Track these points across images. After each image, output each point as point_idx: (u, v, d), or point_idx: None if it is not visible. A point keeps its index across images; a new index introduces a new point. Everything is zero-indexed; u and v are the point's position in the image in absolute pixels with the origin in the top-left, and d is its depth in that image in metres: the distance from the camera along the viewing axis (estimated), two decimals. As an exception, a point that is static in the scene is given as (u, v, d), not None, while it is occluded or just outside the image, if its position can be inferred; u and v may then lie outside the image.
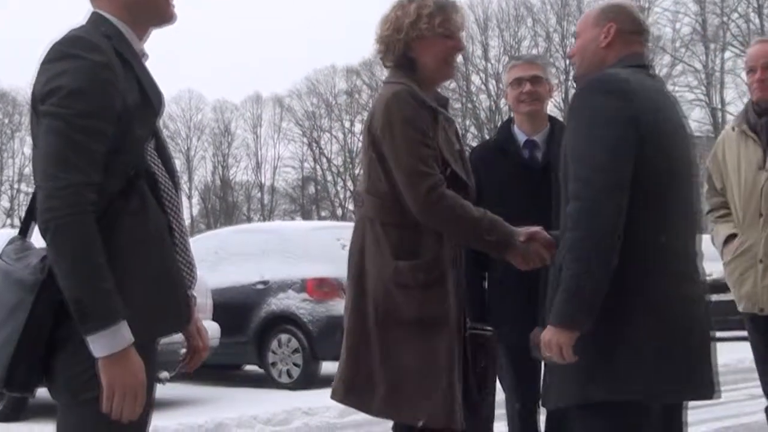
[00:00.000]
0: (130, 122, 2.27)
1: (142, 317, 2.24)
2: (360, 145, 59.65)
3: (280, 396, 9.55)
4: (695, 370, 2.77)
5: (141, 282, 2.28)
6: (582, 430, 2.74)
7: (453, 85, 52.20)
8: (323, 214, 53.82)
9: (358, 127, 54.67)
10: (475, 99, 51.87)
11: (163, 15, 2.45)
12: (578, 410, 2.73)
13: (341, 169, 55.67)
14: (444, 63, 3.35)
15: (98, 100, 2.21)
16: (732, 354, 12.02)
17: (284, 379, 10.49)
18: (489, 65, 50.82)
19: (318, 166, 56.26)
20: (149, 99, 2.35)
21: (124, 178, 2.27)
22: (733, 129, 4.34)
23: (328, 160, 56.01)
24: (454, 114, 51.20)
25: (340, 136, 55.39)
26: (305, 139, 56.03)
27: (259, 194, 57.62)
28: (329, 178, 56.31)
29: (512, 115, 4.23)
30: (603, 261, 2.64)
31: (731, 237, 4.30)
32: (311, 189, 56.74)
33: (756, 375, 10.50)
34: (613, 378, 2.67)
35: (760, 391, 9.20)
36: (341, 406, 8.47)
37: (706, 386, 2.80)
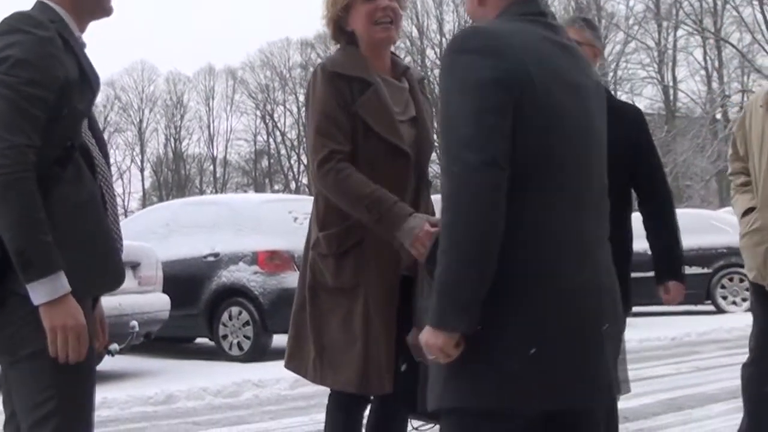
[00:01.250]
0: (70, 96, 2.47)
1: (78, 275, 2.41)
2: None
3: (230, 368, 9.53)
4: (580, 372, 2.27)
5: (77, 243, 2.45)
6: None
7: (408, 59, 52.17)
8: (276, 187, 53.65)
9: (313, 101, 54.44)
10: (429, 73, 51.79)
11: (103, 8, 2.67)
12: (442, 415, 2.36)
13: (295, 143, 55.44)
14: (371, 25, 3.31)
15: (42, 70, 2.41)
16: (678, 328, 12.24)
17: (235, 352, 10.45)
18: (444, 39, 50.75)
19: (271, 140, 56.06)
20: (88, 78, 2.55)
21: (61, 147, 2.46)
22: (760, 106, 4.34)
23: (282, 134, 55.81)
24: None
25: (294, 109, 55.15)
26: (258, 112, 55.79)
27: (211, 167, 57.29)
28: (283, 151, 56.10)
29: None
30: (477, 252, 2.16)
31: (749, 210, 4.37)
32: (264, 162, 56.50)
33: (699, 349, 10.65)
34: (465, 385, 2.25)
35: (705, 363, 9.43)
36: (292, 378, 8.57)
37: (596, 389, 2.32)
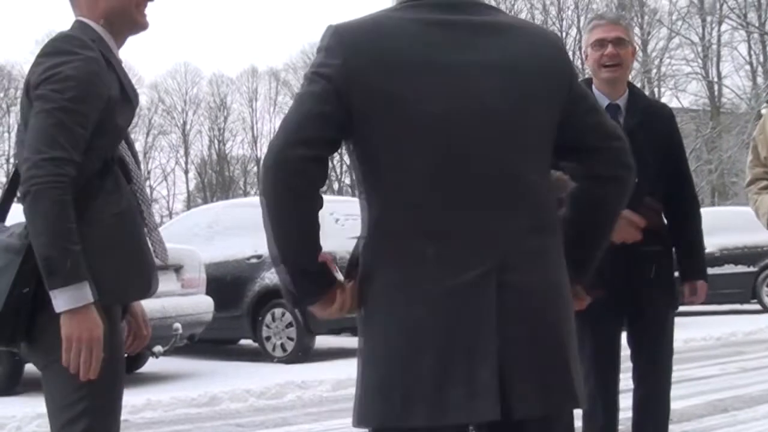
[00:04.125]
0: (112, 112, 2.56)
1: (111, 282, 2.50)
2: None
3: (273, 370, 9.59)
4: (441, 389, 2.03)
5: (113, 251, 2.54)
6: None
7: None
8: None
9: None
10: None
11: (139, 24, 2.73)
12: None
13: (337, 143, 55.44)
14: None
15: (87, 89, 2.49)
16: (724, 327, 12.10)
17: (278, 353, 10.50)
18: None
19: (314, 140, 56.07)
20: (128, 95, 2.64)
21: (101, 161, 2.55)
22: None
23: (324, 134, 55.78)
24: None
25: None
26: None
27: (255, 168, 57.46)
28: (325, 152, 56.09)
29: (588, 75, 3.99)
30: (285, 233, 2.13)
31: None
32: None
33: (745, 349, 10.54)
34: (357, 405, 2.14)
35: (752, 364, 9.31)
36: (335, 380, 8.61)
37: (453, 407, 2.03)
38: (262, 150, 56.28)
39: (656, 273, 3.79)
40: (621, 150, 2.28)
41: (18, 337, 2.52)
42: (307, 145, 2.06)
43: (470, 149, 2.09)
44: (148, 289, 2.67)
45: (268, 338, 10.59)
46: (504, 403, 2.03)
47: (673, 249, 3.95)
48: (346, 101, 2.07)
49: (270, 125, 56.90)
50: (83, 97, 2.48)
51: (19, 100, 2.99)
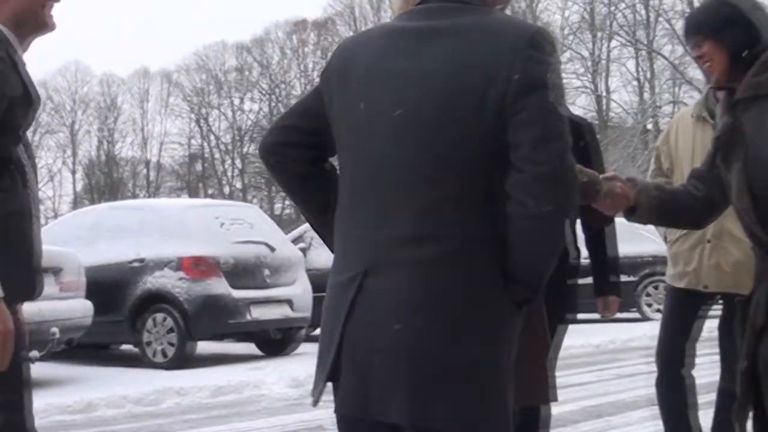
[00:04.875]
0: (13, 112, 2.55)
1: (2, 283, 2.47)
2: (249, 122, 58.55)
3: (153, 376, 9.43)
4: (348, 379, 2.16)
5: (3, 252, 2.53)
6: None
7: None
8: (210, 191, 53.22)
9: (248, 105, 54.22)
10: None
11: (44, 25, 2.73)
12: None
13: (229, 147, 55.05)
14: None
15: None
16: (603, 335, 12.38)
17: (159, 359, 10.34)
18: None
19: (206, 144, 55.55)
20: (30, 97, 2.65)
21: None
22: (691, 116, 4.40)
23: (216, 138, 55.31)
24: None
25: (229, 113, 54.73)
26: (193, 116, 55.20)
27: (145, 171, 56.62)
28: (217, 155, 55.62)
29: None
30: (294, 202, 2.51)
31: None
32: (198, 166, 56.01)
33: (622, 356, 10.75)
34: None
35: (627, 370, 9.54)
36: (214, 387, 8.50)
37: (353, 399, 2.15)
38: (152, 152, 55.54)
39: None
40: (539, 176, 2.05)
41: None
42: (280, 130, 2.37)
43: (377, 158, 2.16)
44: (32, 292, 2.67)
45: (149, 343, 10.42)
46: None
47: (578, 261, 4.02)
48: (326, 102, 2.28)
49: (161, 127, 56.12)
50: None
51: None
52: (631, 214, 2.83)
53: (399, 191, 2.13)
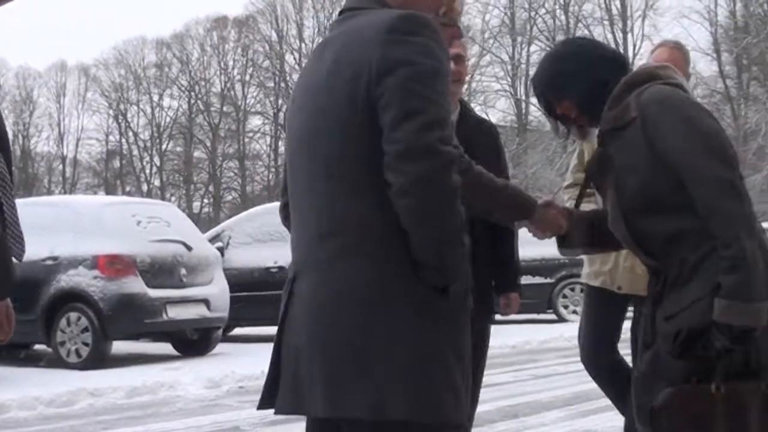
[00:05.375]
0: None
1: None
2: (168, 119, 57.90)
3: (67, 376, 9.25)
4: (284, 380, 2.27)
5: None
6: None
7: (266, 63, 51.94)
8: (128, 189, 52.50)
9: (167, 101, 53.60)
10: (288, 78, 51.65)
11: None
12: None
13: (148, 144, 54.38)
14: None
15: None
16: (519, 336, 12.53)
17: (73, 359, 10.15)
18: (303, 45, 50.72)
19: (124, 140, 54.79)
20: None
21: None
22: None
23: (135, 134, 54.60)
24: (266, 92, 50.01)
25: (148, 109, 54.09)
26: (111, 111, 54.44)
27: (61, 167, 55.63)
28: (135, 152, 54.91)
29: None
30: None
31: None
32: (116, 163, 55.19)
33: (538, 357, 10.86)
34: None
35: (543, 371, 9.66)
36: (129, 387, 8.39)
37: (289, 399, 2.25)
38: (69, 147, 54.60)
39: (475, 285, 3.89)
40: (396, 154, 2.06)
41: None
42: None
43: (293, 165, 2.31)
44: (4, 290, 2.63)
45: (63, 343, 10.22)
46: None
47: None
48: None
49: (78, 122, 55.33)
50: None
51: None
52: (562, 243, 2.95)
53: (306, 194, 2.24)
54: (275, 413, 2.29)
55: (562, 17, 40.70)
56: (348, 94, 2.12)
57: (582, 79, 2.79)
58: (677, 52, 4.59)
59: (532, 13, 40.56)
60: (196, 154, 54.09)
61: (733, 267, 2.49)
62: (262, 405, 2.32)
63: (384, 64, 2.09)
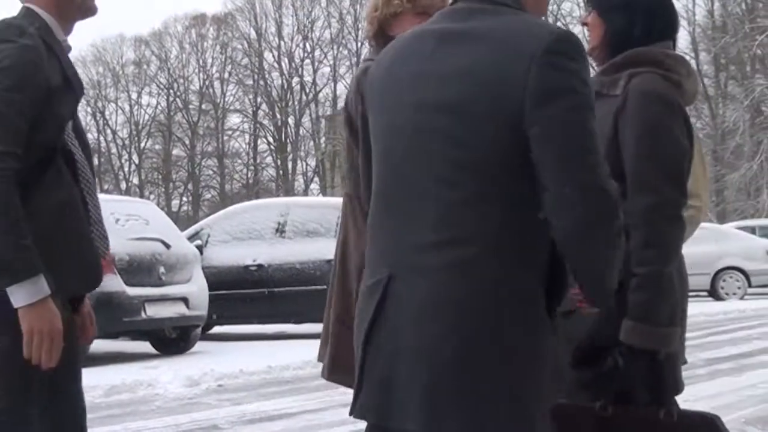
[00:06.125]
0: (52, 101, 2.52)
1: (53, 276, 2.48)
2: (147, 117, 57.65)
3: (44, 375, 9.18)
4: (370, 385, 2.23)
5: (51, 244, 2.50)
6: None
7: (245, 60, 51.87)
8: (106, 187, 52.29)
9: (146, 99, 53.49)
10: (267, 76, 51.64)
11: (87, 8, 2.72)
12: None
13: (126, 142, 54.22)
14: None
15: (23, 78, 2.46)
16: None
17: (50, 357, 10.08)
18: (282, 42, 50.69)
19: (102, 138, 54.57)
20: (71, 83, 2.61)
21: (42, 152, 2.51)
22: None
23: (113, 132, 54.45)
24: (245, 90, 49.79)
25: (126, 107, 53.96)
26: (89, 109, 54.16)
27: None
28: (114, 150, 54.77)
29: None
30: None
31: None
32: (94, 161, 54.94)
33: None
34: None
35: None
36: (107, 385, 8.35)
37: (368, 402, 2.19)
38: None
39: None
40: (564, 196, 2.00)
41: None
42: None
43: (396, 162, 2.14)
44: (91, 283, 2.67)
45: None
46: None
47: None
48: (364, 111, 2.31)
49: (56, 120, 54.83)
50: (20, 88, 2.45)
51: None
52: None
53: (419, 197, 2.09)
54: (353, 416, 2.16)
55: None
56: (491, 109, 2.02)
57: (637, 14, 2.71)
58: None
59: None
60: (175, 151, 54.02)
61: (643, 287, 2.43)
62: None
63: (544, 90, 1.98)
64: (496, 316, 2.02)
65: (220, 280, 12.17)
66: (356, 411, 2.14)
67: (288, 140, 52.35)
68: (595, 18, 2.76)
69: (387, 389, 2.08)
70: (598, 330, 2.50)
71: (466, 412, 2.02)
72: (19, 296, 2.43)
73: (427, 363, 2.02)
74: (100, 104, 54.23)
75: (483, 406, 2.02)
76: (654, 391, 2.51)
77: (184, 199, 53.90)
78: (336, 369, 3.29)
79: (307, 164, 53.71)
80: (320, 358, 3.44)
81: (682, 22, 39.29)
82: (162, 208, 18.39)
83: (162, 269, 10.71)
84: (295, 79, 51.90)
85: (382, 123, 2.20)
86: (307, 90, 52.02)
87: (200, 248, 12.41)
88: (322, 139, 51.82)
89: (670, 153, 2.54)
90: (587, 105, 2.02)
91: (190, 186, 53.29)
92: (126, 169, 54.07)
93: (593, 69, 2.59)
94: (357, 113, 3.19)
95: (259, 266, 12.39)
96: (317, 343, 3.49)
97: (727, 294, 20.68)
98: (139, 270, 10.46)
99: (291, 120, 52.22)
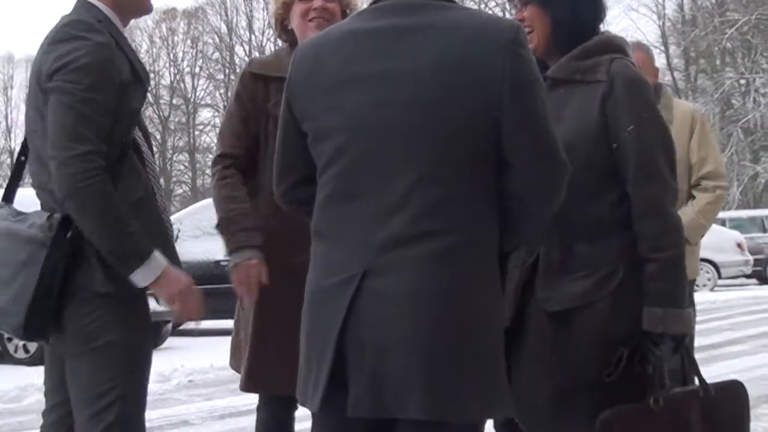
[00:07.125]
0: (125, 96, 2.58)
1: None
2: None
3: (15, 372, 9.17)
4: (357, 382, 2.13)
5: (141, 233, 2.58)
6: None
7: (216, 55, 51.66)
8: (77, 182, 51.92)
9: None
10: (238, 71, 51.34)
11: (143, 7, 2.77)
12: None
13: (97, 137, 53.85)
14: (305, 22, 3.23)
15: (101, 75, 2.51)
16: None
17: (20, 355, 10.08)
18: (253, 37, 50.54)
19: (72, 133, 54.24)
20: (139, 76, 2.67)
21: (119, 146, 2.58)
22: None
23: (84, 127, 54.07)
24: (216, 85, 49.73)
25: (97, 102, 53.58)
26: (59, 104, 53.86)
27: (9, 160, 54.88)
28: (84, 145, 54.38)
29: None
30: None
31: None
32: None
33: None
34: None
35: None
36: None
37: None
38: (17, 140, 53.78)
39: None
40: (530, 182, 2.16)
41: (47, 330, 2.58)
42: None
43: (360, 161, 2.12)
44: (175, 263, 2.74)
45: (11, 339, 10.12)
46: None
47: None
48: (298, 116, 2.23)
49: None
50: (99, 86, 2.49)
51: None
52: None
53: (393, 193, 2.10)
54: (350, 415, 2.11)
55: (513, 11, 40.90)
56: (466, 100, 2.07)
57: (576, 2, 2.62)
58: (640, 53, 4.35)
59: (482, 6, 40.74)
60: (146, 146, 53.71)
61: (666, 273, 2.43)
62: (305, 403, 2.20)
63: (517, 77, 2.07)
64: (484, 299, 2.13)
65: (191, 275, 12.11)
66: (351, 408, 2.10)
67: (260, 135, 52.09)
68: (535, 11, 2.62)
69: (379, 383, 2.08)
70: (606, 330, 2.48)
71: (475, 396, 2.09)
72: (140, 279, 2.57)
73: (424, 353, 2.05)
74: (69, 99, 53.91)
75: (490, 388, 2.12)
76: (685, 372, 2.57)
77: (156, 194, 53.72)
78: (252, 380, 3.27)
79: (279, 159, 53.47)
80: (236, 368, 3.43)
81: (652, 16, 39.62)
82: (133, 204, 18.23)
83: (133, 265, 10.66)
84: (267, 74, 51.68)
85: (332, 122, 2.16)
86: (279, 84, 51.76)
87: (172, 243, 12.36)
88: (294, 134, 51.56)
89: (669, 141, 2.57)
90: (546, 91, 2.18)
91: (161, 181, 53.00)
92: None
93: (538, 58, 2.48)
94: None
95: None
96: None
97: (697, 286, 20.81)
98: (110, 266, 10.40)
99: (263, 114, 51.95)
